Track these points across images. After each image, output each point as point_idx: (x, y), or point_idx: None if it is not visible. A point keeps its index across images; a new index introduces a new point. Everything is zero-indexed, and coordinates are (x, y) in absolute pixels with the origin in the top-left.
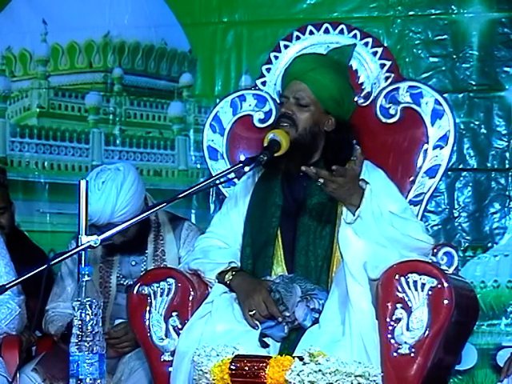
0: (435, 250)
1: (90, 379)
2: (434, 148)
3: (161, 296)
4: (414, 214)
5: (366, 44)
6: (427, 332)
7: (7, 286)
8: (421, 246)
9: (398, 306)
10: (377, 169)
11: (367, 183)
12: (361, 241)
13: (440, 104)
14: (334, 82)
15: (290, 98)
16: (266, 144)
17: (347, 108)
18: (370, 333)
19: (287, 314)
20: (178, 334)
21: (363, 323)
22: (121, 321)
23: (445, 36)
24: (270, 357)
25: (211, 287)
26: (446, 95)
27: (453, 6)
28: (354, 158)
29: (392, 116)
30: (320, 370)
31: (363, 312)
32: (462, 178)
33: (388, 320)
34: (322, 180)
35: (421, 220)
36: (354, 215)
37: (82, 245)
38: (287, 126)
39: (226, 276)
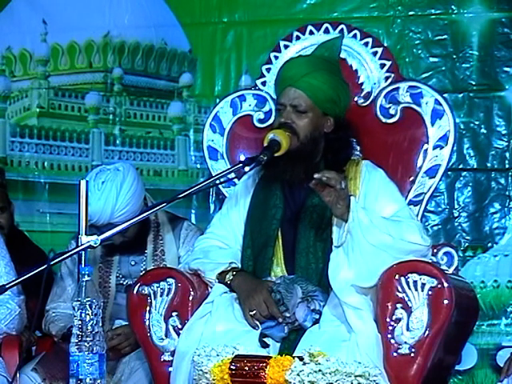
0: (435, 250)
1: (90, 379)
2: (434, 148)
3: (161, 296)
4: (412, 214)
5: (366, 44)
6: (427, 332)
7: (7, 286)
8: (416, 248)
9: (398, 306)
10: (377, 168)
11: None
12: (351, 270)
13: (440, 104)
14: (328, 83)
15: (287, 106)
16: (266, 144)
17: (344, 105)
18: (374, 349)
19: (287, 315)
20: (178, 334)
21: (366, 343)
22: (120, 324)
23: (445, 36)
24: (270, 357)
25: (211, 287)
26: (446, 95)
27: (453, 6)
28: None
29: (392, 116)
30: (320, 370)
31: (364, 333)
32: (461, 178)
33: (388, 320)
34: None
35: (421, 220)
36: (344, 227)
37: (82, 245)
38: (289, 135)
39: (227, 276)
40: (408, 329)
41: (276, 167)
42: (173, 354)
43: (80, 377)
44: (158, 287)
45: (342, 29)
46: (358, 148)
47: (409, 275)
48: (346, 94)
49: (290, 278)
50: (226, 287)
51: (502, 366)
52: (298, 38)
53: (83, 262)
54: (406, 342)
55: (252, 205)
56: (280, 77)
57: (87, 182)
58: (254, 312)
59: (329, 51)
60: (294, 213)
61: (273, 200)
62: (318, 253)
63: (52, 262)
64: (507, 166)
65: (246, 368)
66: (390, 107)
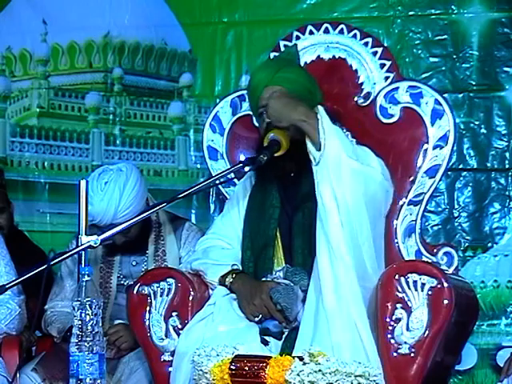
0: (435, 250)
1: (90, 379)
2: (434, 148)
3: (161, 296)
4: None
5: (366, 44)
6: (427, 332)
7: (7, 286)
8: (376, 176)
9: (398, 306)
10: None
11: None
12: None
13: (440, 104)
14: (301, 75)
15: None
16: (265, 144)
17: (319, 97)
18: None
19: (289, 322)
20: (178, 334)
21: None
22: (118, 322)
23: (445, 36)
24: (270, 357)
25: (212, 288)
26: (446, 95)
27: (453, 6)
28: None
29: (392, 116)
30: (320, 370)
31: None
32: (461, 178)
33: (388, 320)
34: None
35: (421, 220)
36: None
37: (81, 245)
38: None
39: (227, 279)
40: (408, 329)
41: (274, 167)
42: (173, 354)
43: (80, 377)
44: (158, 287)
45: (342, 29)
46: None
47: (409, 275)
48: (317, 88)
49: (291, 269)
50: (227, 289)
51: (502, 366)
52: (297, 37)
53: (83, 262)
54: (406, 342)
55: (249, 206)
56: (253, 83)
57: (87, 181)
58: (260, 317)
59: (289, 56)
60: (289, 212)
61: (269, 200)
62: (314, 249)
63: (52, 262)
64: (507, 166)
65: (246, 368)
66: (389, 107)
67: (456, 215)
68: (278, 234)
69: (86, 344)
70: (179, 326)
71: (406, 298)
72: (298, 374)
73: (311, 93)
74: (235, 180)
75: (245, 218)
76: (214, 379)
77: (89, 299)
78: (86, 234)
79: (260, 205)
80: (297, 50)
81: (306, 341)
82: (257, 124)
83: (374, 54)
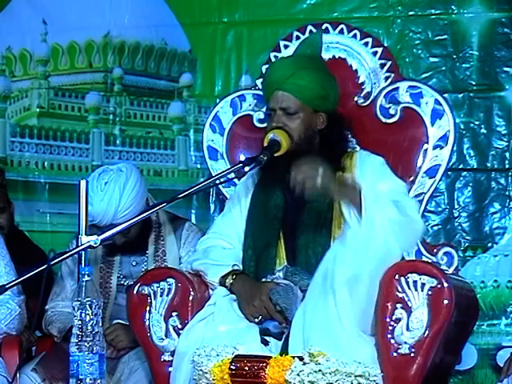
0: (435, 250)
1: (90, 379)
2: (434, 148)
3: (161, 296)
4: (407, 193)
5: (366, 44)
6: (427, 332)
7: (7, 286)
8: (417, 227)
9: (398, 306)
10: (370, 155)
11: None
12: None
13: (440, 104)
14: (315, 80)
15: (276, 110)
16: (266, 144)
17: (334, 98)
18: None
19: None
20: (178, 334)
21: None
22: (116, 321)
23: (445, 36)
24: (270, 357)
25: (212, 288)
26: (446, 95)
27: (453, 6)
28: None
29: (392, 116)
30: (320, 370)
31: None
32: (461, 178)
33: (388, 320)
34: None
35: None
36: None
37: (81, 245)
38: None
39: (227, 280)
40: (408, 329)
41: (276, 167)
42: (173, 353)
43: (80, 377)
44: (158, 287)
45: (342, 29)
46: (354, 141)
47: (409, 275)
48: (334, 88)
49: (291, 269)
50: (227, 290)
51: (502, 366)
52: (297, 37)
53: (83, 262)
54: (406, 342)
55: (252, 205)
56: (266, 81)
57: (87, 181)
58: (260, 318)
59: (310, 48)
60: (294, 212)
61: (273, 200)
62: (318, 248)
63: (52, 262)
64: (507, 166)
65: (246, 368)
66: (389, 107)
67: (456, 215)
68: (281, 234)
69: (86, 344)
70: (179, 326)
71: (406, 298)
72: (298, 374)
73: (323, 98)
74: (235, 180)
75: (247, 217)
76: (213, 379)
77: (89, 299)
78: (86, 234)
79: (263, 204)
80: (321, 39)
81: (296, 339)
82: (257, 124)
83: (374, 54)
